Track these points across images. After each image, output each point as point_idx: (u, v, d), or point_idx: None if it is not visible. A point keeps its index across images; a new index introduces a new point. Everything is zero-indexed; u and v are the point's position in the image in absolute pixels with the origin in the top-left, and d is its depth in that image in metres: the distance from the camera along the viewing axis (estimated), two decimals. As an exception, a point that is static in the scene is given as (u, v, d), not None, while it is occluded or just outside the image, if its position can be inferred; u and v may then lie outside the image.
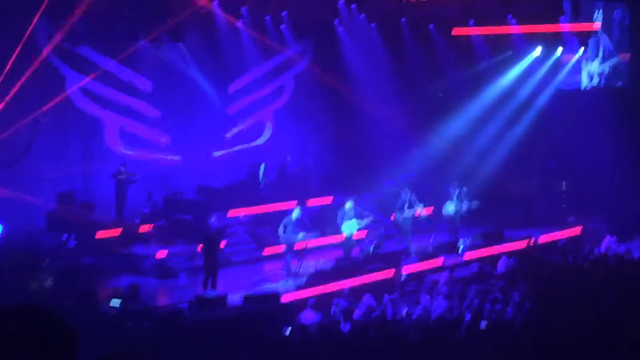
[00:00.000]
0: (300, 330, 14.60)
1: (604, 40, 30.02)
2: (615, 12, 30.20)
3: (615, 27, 30.20)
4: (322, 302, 16.79)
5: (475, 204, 24.82)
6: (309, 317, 16.02)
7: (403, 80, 29.48)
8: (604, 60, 30.14)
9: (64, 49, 24.00)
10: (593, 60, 30.24)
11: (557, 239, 24.09)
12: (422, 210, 23.86)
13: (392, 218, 24.70)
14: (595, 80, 30.39)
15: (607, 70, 30.01)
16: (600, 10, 29.82)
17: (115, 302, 17.14)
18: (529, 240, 23.55)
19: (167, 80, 26.48)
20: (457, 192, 24.67)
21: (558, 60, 30.11)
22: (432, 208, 24.92)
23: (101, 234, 22.10)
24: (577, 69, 30.32)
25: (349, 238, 22.33)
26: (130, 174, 23.77)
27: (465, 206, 24.64)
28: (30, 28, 22.17)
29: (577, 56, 29.97)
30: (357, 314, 16.09)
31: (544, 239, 24.23)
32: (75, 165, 24.74)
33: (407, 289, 18.51)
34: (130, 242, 22.37)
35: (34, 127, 22.94)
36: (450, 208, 24.60)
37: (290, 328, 15.25)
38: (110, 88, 25.15)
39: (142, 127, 26.07)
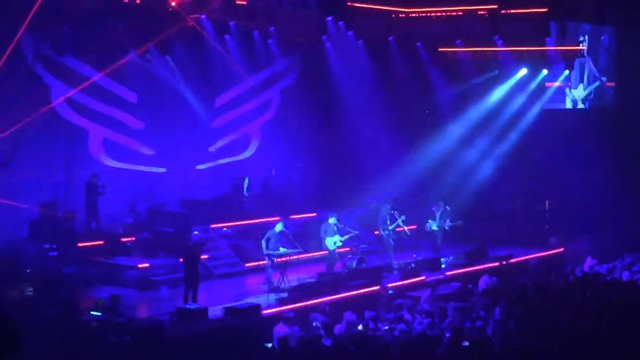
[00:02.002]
0: (281, 343, 14.56)
1: (589, 65, 30.19)
2: (603, 37, 30.42)
3: (601, 53, 30.40)
4: (301, 316, 16.77)
5: (458, 223, 24.94)
6: (283, 330, 16.00)
7: (390, 97, 29.58)
8: (589, 84, 30.32)
9: (49, 58, 23.95)
10: (577, 86, 30.38)
11: (537, 257, 24.23)
12: (403, 225, 23.85)
13: (376, 233, 24.75)
14: (580, 106, 30.55)
15: (591, 95, 30.16)
16: (587, 36, 30.01)
17: (96, 313, 17.08)
18: (508, 260, 23.66)
19: (153, 93, 26.40)
20: (441, 210, 24.81)
21: (543, 81, 30.28)
22: (415, 226, 24.99)
23: (83, 244, 22.02)
24: (561, 91, 30.49)
25: (332, 252, 22.35)
26: (100, 185, 23.61)
27: (448, 225, 24.78)
28: (17, 37, 22.10)
29: (562, 77, 30.12)
30: (338, 329, 16.07)
31: (525, 258, 24.36)
32: (58, 174, 24.62)
33: (389, 305, 18.49)
34: (112, 253, 22.29)
35: (17, 136, 22.84)
36: (433, 226, 24.71)
37: (272, 342, 15.23)
38: (94, 99, 25.05)
39: (127, 138, 25.98)
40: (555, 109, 30.35)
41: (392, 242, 23.89)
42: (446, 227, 24.82)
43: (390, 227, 23.72)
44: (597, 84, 30.18)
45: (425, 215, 24.95)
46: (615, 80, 30.26)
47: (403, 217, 23.87)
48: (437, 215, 24.78)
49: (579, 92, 30.30)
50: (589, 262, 23.08)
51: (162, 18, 24.65)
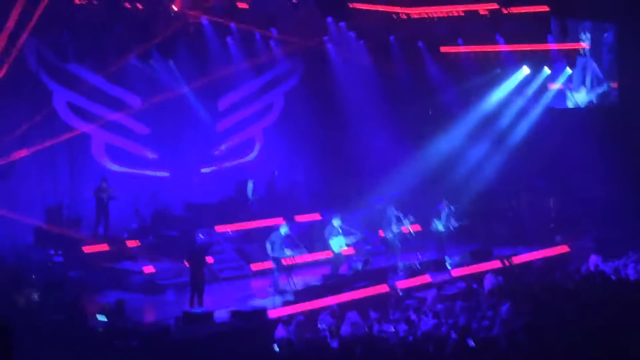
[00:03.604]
0: (288, 345, 14.56)
1: (592, 66, 30.06)
2: (606, 35, 30.33)
3: (604, 52, 30.30)
4: (309, 318, 16.77)
5: (464, 222, 24.90)
6: (294, 331, 16.00)
7: (392, 97, 29.60)
8: (592, 87, 30.19)
9: (52, 64, 24.02)
10: (579, 89, 30.26)
11: (543, 257, 24.18)
12: (409, 226, 23.86)
13: (380, 234, 24.73)
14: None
15: (595, 99, 30.05)
16: (588, 34, 29.95)
17: (102, 318, 17.10)
18: (512, 258, 23.63)
19: (156, 97, 26.44)
20: (446, 210, 24.77)
21: (546, 81, 30.25)
22: (419, 227, 24.97)
23: (88, 249, 22.05)
24: (562, 94, 30.44)
25: (337, 255, 22.34)
26: (111, 189, 23.67)
27: (453, 224, 24.75)
28: (20, 44, 22.14)
29: (563, 78, 30.05)
30: (344, 330, 16.06)
31: (530, 256, 24.32)
32: (62, 180, 24.68)
33: (398, 305, 18.48)
34: (118, 257, 22.31)
35: (22, 142, 22.90)
36: (439, 226, 24.69)
37: (278, 344, 15.22)
38: (98, 104, 25.13)
39: (131, 142, 26.03)
40: (559, 108, 30.30)
41: (398, 244, 23.86)
42: (451, 227, 24.78)
43: (394, 229, 23.69)
44: (603, 89, 30.02)
45: (431, 215, 24.91)
46: (617, 78, 30.16)
47: (411, 218, 23.86)
48: (443, 215, 24.75)
49: (581, 96, 30.16)
50: (594, 260, 23.03)
51: (164, 22, 24.70)
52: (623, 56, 29.91)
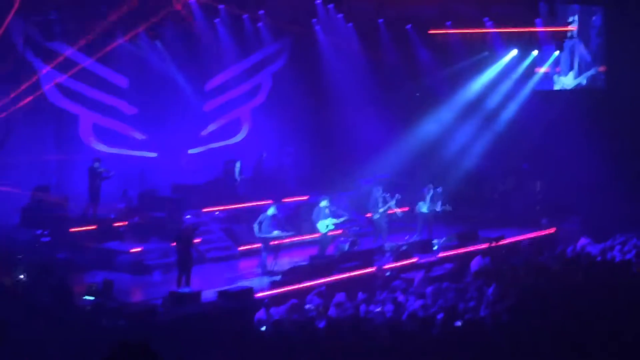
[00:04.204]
0: (275, 326, 14.61)
1: (580, 49, 30.04)
2: (594, 18, 30.34)
3: (593, 35, 30.30)
4: (296, 299, 16.82)
5: (447, 208, 24.92)
6: (279, 311, 16.06)
7: (380, 79, 29.59)
8: (579, 72, 30.19)
9: (39, 44, 23.90)
10: (567, 73, 30.26)
11: (529, 238, 24.31)
12: (395, 207, 23.91)
13: (368, 216, 24.78)
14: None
15: (584, 82, 30.05)
16: (576, 16, 29.96)
17: (89, 298, 17.10)
18: (499, 240, 23.73)
19: (144, 77, 26.34)
20: (431, 193, 24.82)
21: (534, 62, 30.29)
22: (407, 208, 25.03)
23: (75, 229, 22.01)
24: (549, 78, 30.47)
25: (324, 236, 22.38)
26: (105, 169, 23.66)
27: (438, 207, 24.80)
28: (6, 23, 22.03)
29: (551, 60, 30.08)
30: (331, 311, 16.13)
31: (517, 239, 24.44)
32: (49, 160, 24.61)
33: (385, 286, 18.56)
34: (105, 238, 22.29)
35: (7, 123, 22.80)
36: (423, 208, 24.74)
37: (265, 324, 15.28)
38: (85, 84, 25.03)
39: (118, 123, 25.97)
40: (545, 90, 30.35)
41: (385, 225, 23.93)
42: (437, 210, 24.84)
43: (381, 210, 23.76)
44: (591, 72, 30.01)
45: (416, 198, 24.97)
46: (605, 62, 30.18)
47: (398, 196, 23.93)
48: (427, 197, 24.79)
49: (569, 81, 30.17)
50: (582, 242, 23.15)
51: (153, 3, 24.59)
52: (611, 39, 29.96)
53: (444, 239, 24.02)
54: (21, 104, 23.00)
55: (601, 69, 29.87)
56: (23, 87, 23.25)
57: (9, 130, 22.72)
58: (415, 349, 12.78)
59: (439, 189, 25.08)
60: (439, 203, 24.85)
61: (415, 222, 25.08)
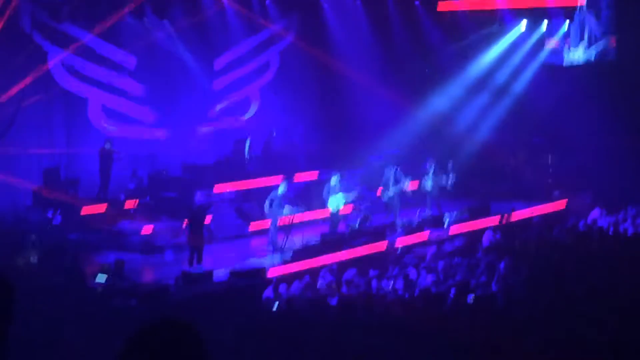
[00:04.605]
0: (287, 304, 14.62)
1: (590, 22, 29.69)
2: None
3: (603, 7, 29.98)
4: (308, 277, 16.82)
5: (451, 178, 24.72)
6: (291, 289, 16.07)
7: (389, 55, 29.48)
8: (589, 44, 29.87)
9: (47, 25, 23.85)
10: (577, 46, 29.97)
11: (541, 212, 24.23)
12: (408, 185, 23.85)
13: (378, 193, 24.71)
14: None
15: (593, 55, 29.75)
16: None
17: (101, 278, 17.14)
18: (510, 214, 23.66)
19: (152, 57, 26.33)
20: (433, 167, 24.67)
21: (543, 35, 30.07)
22: (417, 182, 24.95)
23: (86, 210, 22.04)
24: (559, 52, 30.23)
25: (335, 213, 22.35)
26: (115, 151, 23.68)
27: (442, 181, 24.63)
28: (13, 4, 21.98)
29: (561, 32, 29.85)
30: (343, 288, 16.12)
31: (528, 212, 24.36)
32: (59, 142, 24.63)
33: (397, 262, 18.54)
34: (116, 219, 22.31)
35: (17, 103, 22.77)
36: (427, 183, 24.61)
37: (277, 302, 15.28)
38: (93, 64, 25.02)
39: (127, 103, 25.96)
40: (556, 64, 30.14)
41: (396, 202, 23.86)
42: (443, 184, 24.67)
43: (392, 189, 23.68)
44: (601, 44, 29.63)
45: (421, 174, 24.81)
46: (616, 34, 29.87)
47: (408, 179, 23.84)
48: (430, 172, 24.67)
49: (579, 54, 29.87)
50: (593, 214, 23.06)
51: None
52: (622, 11, 29.65)
53: (455, 213, 23.92)
54: (29, 85, 22.94)
55: (612, 41, 29.55)
56: (30, 68, 23.21)
57: (15, 113, 22.64)
58: (427, 325, 12.76)
59: (449, 163, 24.98)
60: (443, 177, 24.67)
61: (426, 197, 25.02)
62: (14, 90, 22.51)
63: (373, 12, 29.46)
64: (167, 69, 26.56)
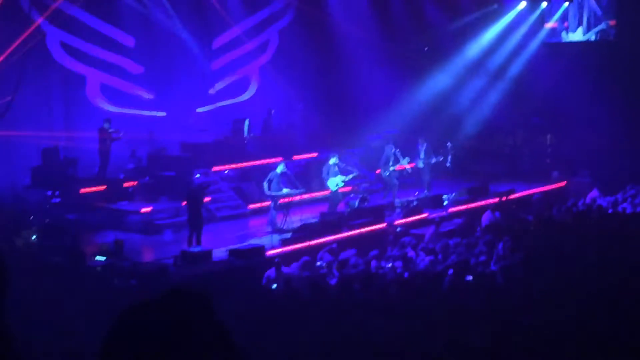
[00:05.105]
0: (286, 283, 14.64)
1: (589, 3, 29.44)
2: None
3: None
4: (307, 256, 16.83)
5: (440, 159, 24.73)
6: (290, 269, 16.10)
7: (389, 35, 29.37)
8: (589, 27, 29.69)
9: (45, 4, 23.75)
10: (575, 30, 29.80)
11: (540, 192, 24.26)
12: (406, 165, 23.86)
13: (377, 172, 24.70)
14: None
15: (593, 38, 29.60)
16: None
17: (101, 258, 17.16)
18: (509, 195, 23.67)
19: (150, 36, 26.22)
20: (424, 146, 24.67)
21: (542, 15, 29.96)
22: (414, 164, 24.95)
23: (85, 190, 22.03)
24: (557, 34, 30.12)
25: (334, 193, 22.34)
26: (114, 130, 23.63)
27: (433, 161, 24.64)
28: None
29: (559, 13, 29.71)
30: (342, 268, 16.14)
31: (527, 192, 24.38)
32: (58, 121, 24.58)
33: (396, 242, 18.55)
34: (115, 198, 22.30)
35: (15, 83, 22.69)
36: (419, 163, 24.61)
37: (277, 282, 15.31)
38: (91, 44, 24.93)
39: (125, 83, 25.89)
40: (555, 42, 30.04)
41: (395, 181, 23.87)
42: (432, 162, 24.69)
43: (391, 168, 23.69)
44: (600, 26, 29.46)
45: (412, 153, 24.78)
46: (616, 16, 29.71)
47: (407, 159, 23.84)
48: (422, 151, 24.67)
49: (577, 37, 29.69)
50: (592, 194, 23.10)
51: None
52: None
53: (454, 193, 23.95)
54: (27, 64, 22.86)
55: (611, 23, 29.41)
56: (29, 47, 23.13)
57: (14, 92, 22.56)
58: (426, 304, 12.79)
59: (448, 144, 24.99)
60: (432, 157, 24.66)
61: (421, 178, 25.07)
62: (13, 69, 22.42)
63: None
64: (165, 48, 26.47)
